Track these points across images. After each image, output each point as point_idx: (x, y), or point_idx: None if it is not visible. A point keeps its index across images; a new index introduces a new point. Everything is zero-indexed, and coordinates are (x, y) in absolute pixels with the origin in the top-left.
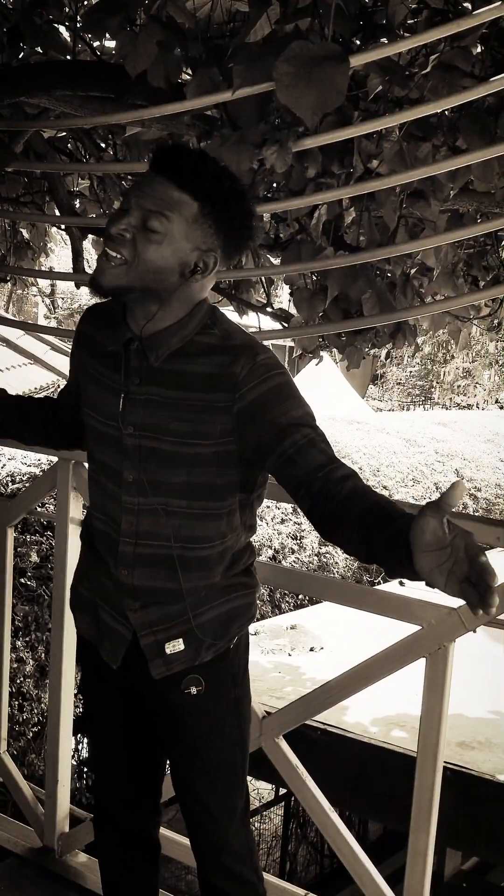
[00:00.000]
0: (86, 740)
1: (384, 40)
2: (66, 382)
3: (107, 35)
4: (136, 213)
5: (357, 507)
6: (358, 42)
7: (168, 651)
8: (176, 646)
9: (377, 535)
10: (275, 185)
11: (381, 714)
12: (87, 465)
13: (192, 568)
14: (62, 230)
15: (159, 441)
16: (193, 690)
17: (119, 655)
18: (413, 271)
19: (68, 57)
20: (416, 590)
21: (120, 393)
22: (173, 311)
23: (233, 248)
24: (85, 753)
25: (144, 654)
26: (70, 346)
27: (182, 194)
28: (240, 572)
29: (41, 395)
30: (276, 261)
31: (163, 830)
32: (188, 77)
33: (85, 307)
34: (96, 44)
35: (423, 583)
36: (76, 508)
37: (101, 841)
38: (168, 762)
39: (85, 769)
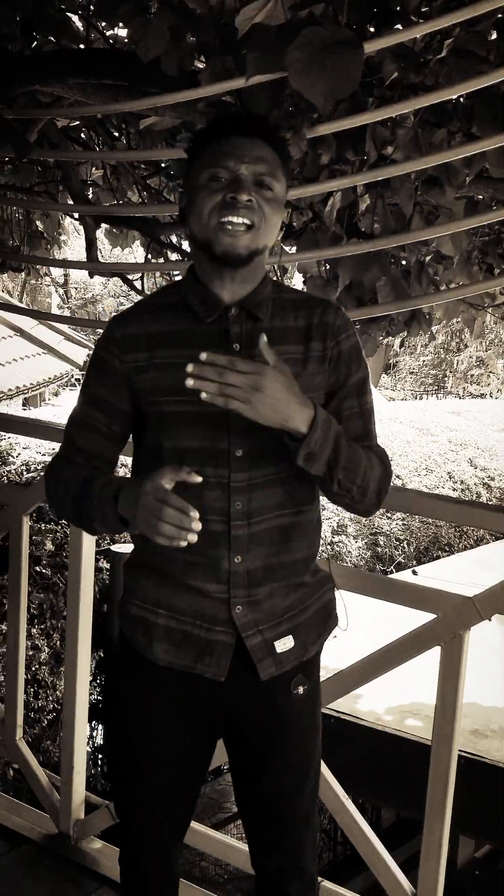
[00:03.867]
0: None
1: (399, 26)
2: (87, 419)
3: (119, 24)
4: (250, 178)
5: None
6: (372, 29)
7: (279, 650)
8: (286, 643)
9: None
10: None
11: (395, 703)
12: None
13: (302, 535)
14: (76, 219)
15: None
16: (301, 690)
17: (224, 666)
18: (428, 259)
19: (81, 46)
20: (431, 579)
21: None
22: (261, 269)
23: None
24: (100, 740)
25: (252, 656)
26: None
27: (275, 153)
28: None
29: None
30: (289, 249)
31: None
32: (200, 66)
33: (97, 296)
34: (109, 32)
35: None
36: None
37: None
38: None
39: (100, 756)
